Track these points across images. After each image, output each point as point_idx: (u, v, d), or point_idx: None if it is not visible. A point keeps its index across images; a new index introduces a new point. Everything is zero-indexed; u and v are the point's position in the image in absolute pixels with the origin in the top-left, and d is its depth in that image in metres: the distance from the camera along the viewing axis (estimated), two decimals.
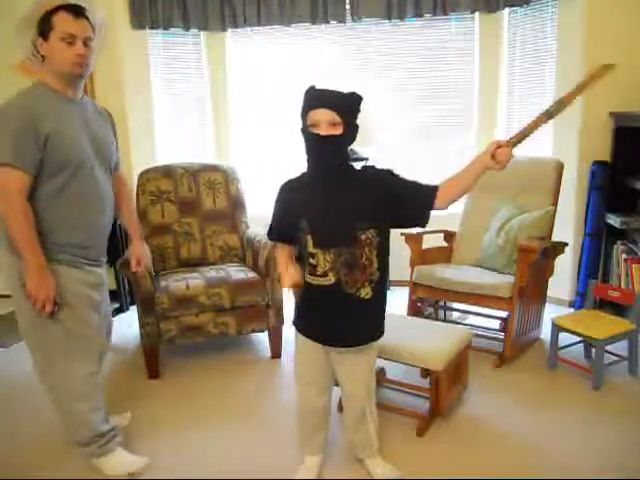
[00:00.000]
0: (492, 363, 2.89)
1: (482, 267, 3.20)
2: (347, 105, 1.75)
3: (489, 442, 2.24)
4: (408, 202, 1.78)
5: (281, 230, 1.91)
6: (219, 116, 4.36)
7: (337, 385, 2.03)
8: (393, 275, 4.03)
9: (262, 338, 3.16)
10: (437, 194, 1.76)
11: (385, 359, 2.36)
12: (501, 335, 3.09)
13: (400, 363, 2.36)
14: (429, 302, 3.36)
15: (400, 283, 3.85)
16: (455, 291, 2.99)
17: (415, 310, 3.21)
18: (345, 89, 1.77)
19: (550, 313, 3.19)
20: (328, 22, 3.95)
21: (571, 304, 3.61)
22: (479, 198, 3.43)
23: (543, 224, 3.02)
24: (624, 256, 3.24)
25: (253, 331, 3.02)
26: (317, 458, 2.07)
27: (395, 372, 2.65)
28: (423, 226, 1.81)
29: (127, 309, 3.83)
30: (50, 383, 2.03)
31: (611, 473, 2.02)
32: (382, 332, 1.93)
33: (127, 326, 3.51)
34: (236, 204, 3.39)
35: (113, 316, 2.59)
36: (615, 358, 2.75)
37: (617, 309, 3.13)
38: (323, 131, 1.72)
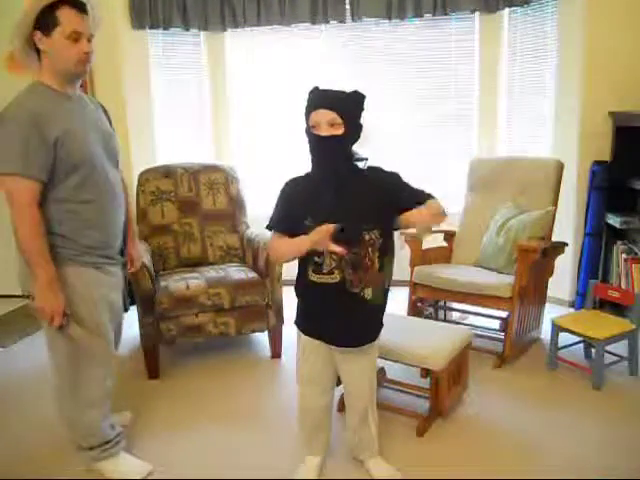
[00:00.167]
0: (492, 363, 2.89)
1: (482, 267, 3.20)
2: (348, 105, 1.75)
3: (489, 442, 2.24)
4: (405, 208, 1.76)
5: (286, 223, 1.86)
6: (219, 116, 4.36)
7: (338, 385, 2.03)
8: (393, 275, 4.06)
9: (262, 338, 3.16)
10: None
11: (385, 359, 2.36)
12: (501, 335, 3.09)
13: (400, 363, 2.36)
14: (429, 302, 3.36)
15: (400, 283, 3.83)
16: (455, 291, 2.99)
17: (415, 310, 3.21)
18: (350, 88, 1.77)
19: (550, 313, 3.19)
20: (328, 22, 3.95)
21: (571, 304, 3.61)
22: (479, 198, 3.43)
23: (543, 224, 3.02)
24: (624, 256, 3.23)
25: (253, 331, 3.02)
26: (318, 458, 2.07)
27: (395, 372, 2.65)
28: None
29: (127, 309, 3.82)
30: (68, 387, 1.99)
31: (611, 473, 2.02)
32: (381, 328, 1.94)
33: (127, 326, 3.45)
34: (236, 204, 3.39)
35: None
36: (615, 358, 2.75)
37: (617, 309, 3.13)
38: (323, 132, 1.72)
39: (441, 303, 3.46)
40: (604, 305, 3.25)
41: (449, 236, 3.48)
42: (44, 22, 1.76)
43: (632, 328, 2.71)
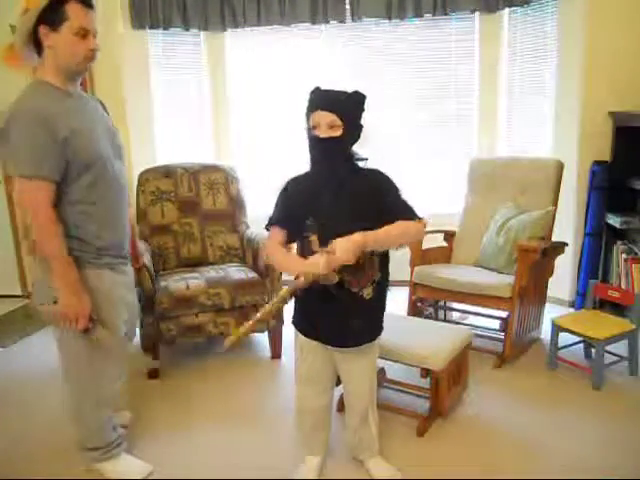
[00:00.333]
0: (492, 363, 2.89)
1: (482, 267, 3.20)
2: (348, 106, 1.75)
3: (489, 442, 2.24)
4: (387, 217, 1.75)
5: (286, 223, 1.87)
6: (219, 116, 4.36)
7: (338, 385, 2.03)
8: (393, 275, 4.06)
9: (262, 338, 3.16)
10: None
11: (385, 359, 2.35)
12: (501, 335, 3.09)
13: (400, 363, 2.36)
14: (429, 302, 3.36)
15: (400, 283, 3.83)
16: (455, 291, 2.99)
17: (415, 310, 3.21)
18: (350, 88, 1.77)
19: (550, 313, 3.19)
20: (328, 22, 3.95)
21: (571, 304, 3.61)
22: (479, 198, 3.43)
23: (543, 224, 3.02)
24: (624, 256, 3.23)
25: (253, 331, 3.01)
26: (318, 458, 2.07)
27: (395, 372, 2.65)
28: None
29: None
30: (80, 387, 1.98)
31: (611, 473, 2.02)
32: (381, 329, 1.95)
33: None
34: (236, 204, 3.39)
35: None
36: (615, 358, 2.75)
37: (617, 309, 3.13)
38: (322, 133, 1.73)
39: (441, 303, 3.46)
40: (604, 305, 3.25)
41: (449, 236, 3.47)
42: (51, 16, 1.72)
43: (632, 328, 2.71)
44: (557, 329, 2.80)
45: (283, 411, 2.49)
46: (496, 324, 3.27)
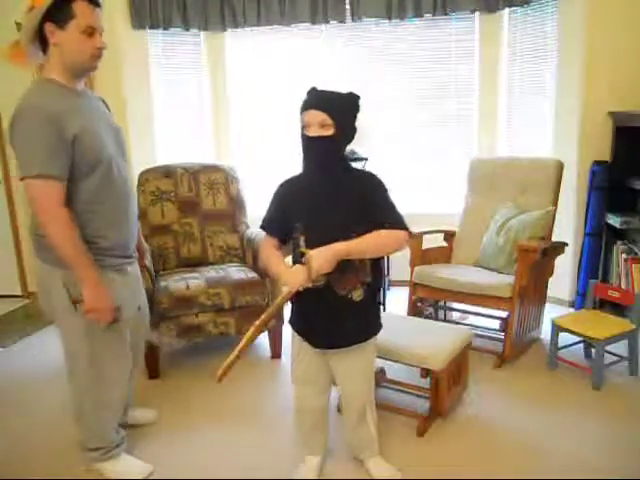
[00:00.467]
0: (492, 363, 2.89)
1: (482, 267, 3.20)
2: (341, 106, 1.75)
3: (489, 442, 2.24)
4: (374, 218, 1.75)
5: (277, 225, 1.91)
6: (219, 116, 4.36)
7: (335, 384, 2.03)
8: (393, 275, 4.07)
9: (262, 338, 3.16)
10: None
11: (385, 359, 2.36)
12: (501, 335, 3.09)
13: (400, 363, 2.36)
14: (429, 302, 3.36)
15: (400, 283, 3.85)
16: (455, 291, 2.99)
17: (415, 310, 3.21)
18: (348, 89, 1.77)
19: (550, 313, 3.19)
20: (328, 22, 3.95)
21: (571, 304, 3.61)
22: (479, 198, 3.43)
23: (543, 224, 3.02)
24: (624, 256, 3.23)
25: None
26: (318, 458, 2.07)
27: (395, 372, 2.65)
28: None
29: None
30: (81, 388, 1.98)
31: (611, 473, 2.02)
32: (377, 329, 1.94)
33: None
34: (236, 204, 3.39)
35: None
36: (615, 358, 2.75)
37: (617, 309, 3.13)
38: (313, 132, 1.73)
39: (441, 303, 3.46)
40: (604, 305, 3.25)
41: (449, 236, 3.47)
42: (58, 14, 1.71)
43: (632, 328, 2.71)
44: (557, 329, 2.80)
45: (283, 411, 2.49)
46: (496, 324, 3.27)
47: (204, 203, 3.33)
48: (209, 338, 2.90)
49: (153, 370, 2.86)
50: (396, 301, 3.62)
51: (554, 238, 3.16)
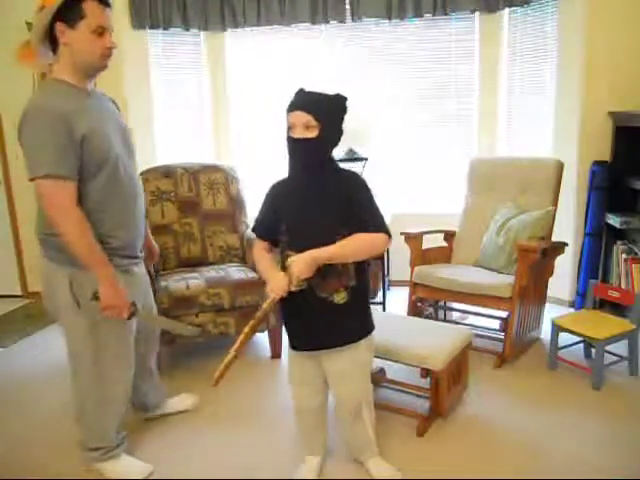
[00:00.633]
0: (492, 363, 2.89)
1: (482, 267, 3.20)
2: (326, 108, 1.74)
3: (489, 442, 2.24)
4: (355, 221, 1.75)
5: (267, 227, 1.91)
6: (219, 116, 4.36)
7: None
8: (393, 275, 4.07)
9: (262, 338, 3.16)
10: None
11: (385, 359, 2.36)
12: (501, 335, 3.09)
13: (400, 363, 2.36)
14: (429, 302, 3.36)
15: (400, 283, 3.85)
16: (455, 291, 2.99)
17: (415, 310, 3.21)
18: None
19: (550, 313, 3.19)
20: (328, 22, 3.95)
21: (571, 304, 3.61)
22: (479, 198, 3.43)
23: (543, 224, 3.02)
24: (624, 256, 3.23)
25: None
26: (318, 458, 2.07)
27: (395, 372, 2.65)
28: None
29: None
30: (83, 388, 1.99)
31: (611, 473, 2.02)
32: (366, 331, 1.91)
33: None
34: (236, 204, 3.39)
35: None
36: (615, 358, 2.75)
37: (617, 309, 3.13)
38: (297, 134, 1.72)
39: (441, 303, 3.46)
40: (604, 305, 3.25)
41: (449, 236, 3.47)
42: (68, 14, 1.72)
43: (632, 328, 2.71)
44: (557, 329, 2.80)
45: (283, 411, 2.49)
46: (496, 324, 3.27)
47: (204, 203, 3.33)
48: (209, 338, 2.90)
49: None
50: (396, 301, 3.61)
51: (554, 238, 3.16)
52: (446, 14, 3.82)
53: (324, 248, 1.70)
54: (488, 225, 3.24)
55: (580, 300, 3.47)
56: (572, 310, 3.49)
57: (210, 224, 3.33)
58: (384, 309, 3.58)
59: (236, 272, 3.01)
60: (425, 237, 3.26)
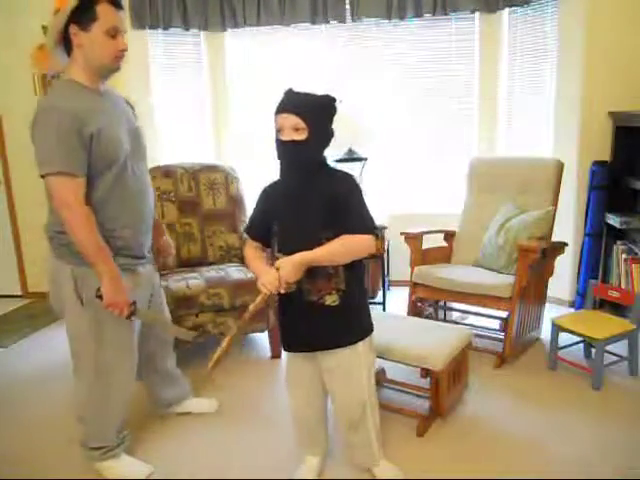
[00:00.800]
0: (492, 363, 2.89)
1: (482, 267, 3.20)
2: (314, 109, 1.72)
3: (489, 442, 2.24)
4: (342, 222, 1.74)
5: (259, 228, 1.91)
6: (219, 116, 4.36)
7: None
8: (393, 275, 4.07)
9: (262, 338, 3.16)
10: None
11: (385, 359, 2.36)
12: (501, 335, 3.09)
13: (400, 363, 2.36)
14: (429, 302, 3.36)
15: (400, 283, 3.85)
16: (455, 291, 2.99)
17: (415, 310, 3.21)
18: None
19: (550, 313, 3.19)
20: (328, 22, 3.95)
21: (571, 304, 3.61)
22: (479, 198, 3.43)
23: (543, 224, 3.02)
24: (624, 256, 3.23)
25: (253, 331, 3.02)
26: (318, 458, 2.06)
27: (395, 372, 2.65)
28: None
29: None
30: (85, 387, 1.99)
31: (611, 473, 2.02)
32: (362, 333, 1.88)
33: None
34: (236, 204, 3.39)
35: None
36: (615, 358, 2.75)
37: (617, 309, 3.13)
38: (286, 137, 1.71)
39: (441, 303, 3.46)
40: (604, 305, 3.25)
41: (449, 236, 3.47)
42: (82, 16, 1.75)
43: (632, 328, 2.71)
44: (557, 329, 2.80)
45: (283, 411, 2.49)
46: (496, 324, 3.27)
47: (204, 203, 3.34)
48: (209, 338, 2.90)
49: None
50: (396, 301, 3.61)
51: (554, 238, 3.16)
52: (446, 14, 3.83)
53: (312, 250, 1.70)
54: (488, 225, 3.24)
55: (580, 300, 3.47)
56: (572, 310, 3.49)
57: (210, 224, 3.33)
58: (384, 309, 3.58)
59: (236, 272, 3.01)
60: (425, 237, 3.26)
